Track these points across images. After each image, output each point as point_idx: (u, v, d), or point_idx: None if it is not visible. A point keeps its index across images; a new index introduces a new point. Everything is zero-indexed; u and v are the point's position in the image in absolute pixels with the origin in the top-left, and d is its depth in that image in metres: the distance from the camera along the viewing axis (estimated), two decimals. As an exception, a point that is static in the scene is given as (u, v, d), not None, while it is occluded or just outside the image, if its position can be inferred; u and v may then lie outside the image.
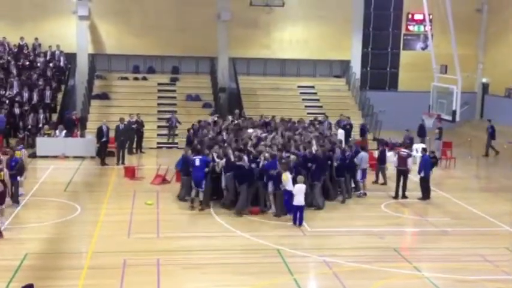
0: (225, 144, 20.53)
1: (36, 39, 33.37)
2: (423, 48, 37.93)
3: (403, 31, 38.26)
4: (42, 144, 26.51)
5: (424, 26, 35.20)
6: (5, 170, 17.23)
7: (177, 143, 29.44)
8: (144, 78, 34.82)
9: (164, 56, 35.47)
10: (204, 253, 15.21)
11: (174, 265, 14.32)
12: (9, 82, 30.68)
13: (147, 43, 34.55)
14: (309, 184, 18.74)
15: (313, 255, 15.17)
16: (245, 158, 18.91)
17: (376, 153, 24.70)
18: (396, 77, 38.77)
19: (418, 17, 37.29)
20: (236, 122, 25.81)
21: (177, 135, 29.72)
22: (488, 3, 38.22)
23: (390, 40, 38.44)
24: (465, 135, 32.70)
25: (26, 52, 32.98)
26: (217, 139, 21.73)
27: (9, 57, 32.26)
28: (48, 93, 30.60)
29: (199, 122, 25.52)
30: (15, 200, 18.67)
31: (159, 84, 34.52)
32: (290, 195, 17.73)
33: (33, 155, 25.76)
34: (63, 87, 32.29)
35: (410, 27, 38.23)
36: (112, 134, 26.31)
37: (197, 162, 18.91)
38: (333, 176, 20.42)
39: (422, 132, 30.32)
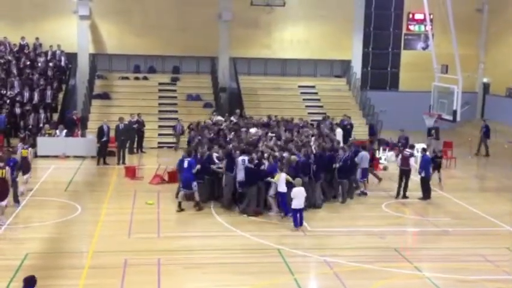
0: (230, 146, 20.25)
1: (37, 39, 33.38)
2: (424, 48, 37.93)
3: (404, 31, 38.30)
4: (43, 144, 26.51)
5: (425, 25, 35.27)
6: (7, 168, 17.11)
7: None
8: (145, 78, 34.82)
9: (165, 56, 35.47)
10: (205, 253, 15.21)
11: (175, 265, 14.32)
12: (10, 82, 30.65)
13: (148, 43, 34.56)
14: (311, 184, 18.69)
15: (314, 255, 15.16)
16: (265, 162, 18.68)
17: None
18: (397, 76, 38.77)
19: (418, 16, 37.31)
20: (235, 121, 25.80)
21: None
22: (488, 3, 38.21)
23: (391, 40, 38.45)
24: (466, 135, 32.66)
25: (26, 52, 32.97)
26: (218, 140, 21.70)
27: (10, 57, 32.25)
28: (49, 93, 30.59)
29: (197, 123, 25.38)
30: (16, 199, 18.67)
31: (159, 84, 34.50)
32: (283, 196, 17.65)
33: (33, 155, 25.69)
34: (64, 87, 32.26)
35: (411, 27, 38.24)
36: (112, 134, 26.34)
37: (185, 164, 18.88)
38: (334, 177, 20.22)
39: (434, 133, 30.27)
